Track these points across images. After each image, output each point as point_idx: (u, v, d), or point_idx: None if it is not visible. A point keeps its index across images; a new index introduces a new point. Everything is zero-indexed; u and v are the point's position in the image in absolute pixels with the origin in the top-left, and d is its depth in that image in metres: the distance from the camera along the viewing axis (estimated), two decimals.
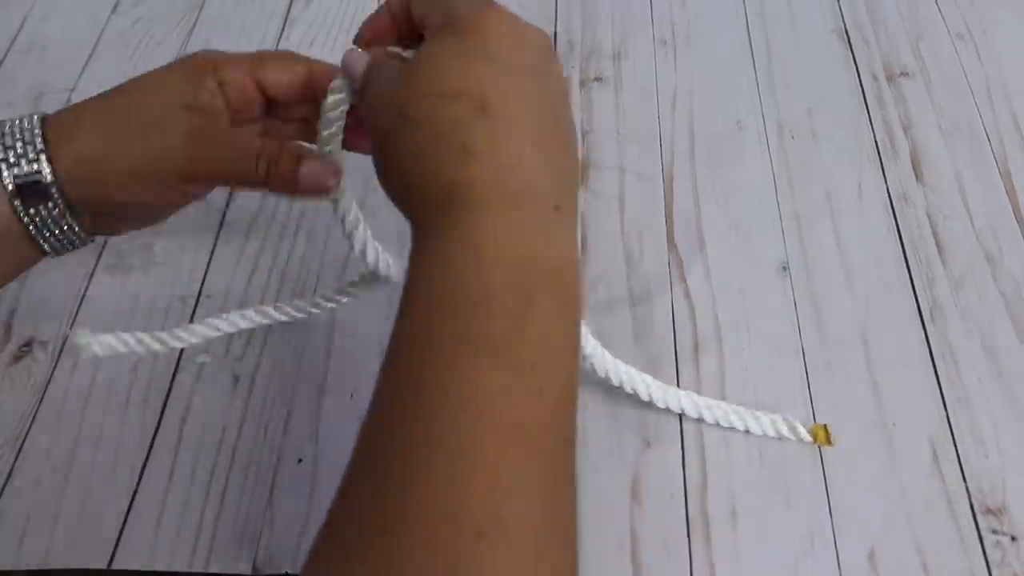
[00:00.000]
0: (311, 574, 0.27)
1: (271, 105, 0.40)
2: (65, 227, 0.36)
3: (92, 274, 0.53)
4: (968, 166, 0.59)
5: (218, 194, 0.56)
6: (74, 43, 0.65)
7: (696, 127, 0.61)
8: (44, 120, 0.36)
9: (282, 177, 0.38)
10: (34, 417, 0.47)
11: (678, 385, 0.48)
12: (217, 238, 0.55)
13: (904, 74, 0.64)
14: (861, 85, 0.64)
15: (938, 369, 0.49)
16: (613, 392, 0.46)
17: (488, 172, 0.30)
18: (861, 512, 0.44)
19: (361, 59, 0.36)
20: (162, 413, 0.47)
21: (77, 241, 0.38)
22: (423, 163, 0.31)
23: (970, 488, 0.45)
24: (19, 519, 0.44)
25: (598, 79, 0.64)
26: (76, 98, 0.61)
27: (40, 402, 0.47)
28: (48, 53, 0.64)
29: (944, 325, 0.51)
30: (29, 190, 0.35)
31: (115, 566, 0.42)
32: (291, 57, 0.40)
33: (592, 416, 0.47)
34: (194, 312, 0.51)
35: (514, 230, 0.30)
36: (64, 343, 0.49)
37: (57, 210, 0.35)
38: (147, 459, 0.46)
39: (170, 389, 0.48)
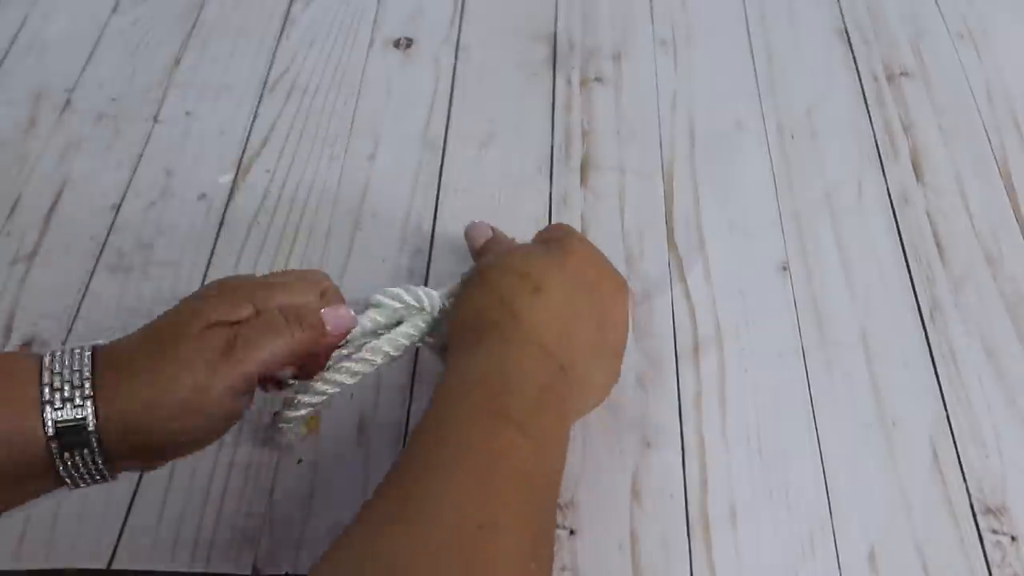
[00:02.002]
0: (357, 537, 0.32)
1: None
2: (95, 473, 0.35)
3: (92, 274, 0.53)
4: (968, 166, 0.59)
5: (218, 194, 0.56)
6: (74, 43, 0.65)
7: (696, 127, 0.61)
8: (94, 357, 0.34)
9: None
10: None
11: (678, 385, 0.49)
12: (217, 238, 0.55)
13: (904, 74, 0.64)
14: (861, 85, 0.64)
15: (938, 369, 0.49)
16: (613, 392, 0.46)
17: (522, 328, 0.39)
18: (861, 512, 0.44)
19: (485, 231, 0.49)
20: None
21: (101, 480, 0.36)
22: (481, 312, 0.41)
23: (970, 488, 0.45)
24: (19, 519, 0.44)
25: (598, 79, 0.63)
26: (76, 98, 0.61)
27: None
28: (48, 53, 0.64)
29: (944, 325, 0.51)
30: (70, 434, 0.33)
31: (115, 566, 0.42)
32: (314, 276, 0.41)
33: (592, 416, 0.47)
34: None
35: (535, 363, 0.39)
36: (64, 342, 0.49)
37: (92, 456, 0.34)
38: None
39: None
